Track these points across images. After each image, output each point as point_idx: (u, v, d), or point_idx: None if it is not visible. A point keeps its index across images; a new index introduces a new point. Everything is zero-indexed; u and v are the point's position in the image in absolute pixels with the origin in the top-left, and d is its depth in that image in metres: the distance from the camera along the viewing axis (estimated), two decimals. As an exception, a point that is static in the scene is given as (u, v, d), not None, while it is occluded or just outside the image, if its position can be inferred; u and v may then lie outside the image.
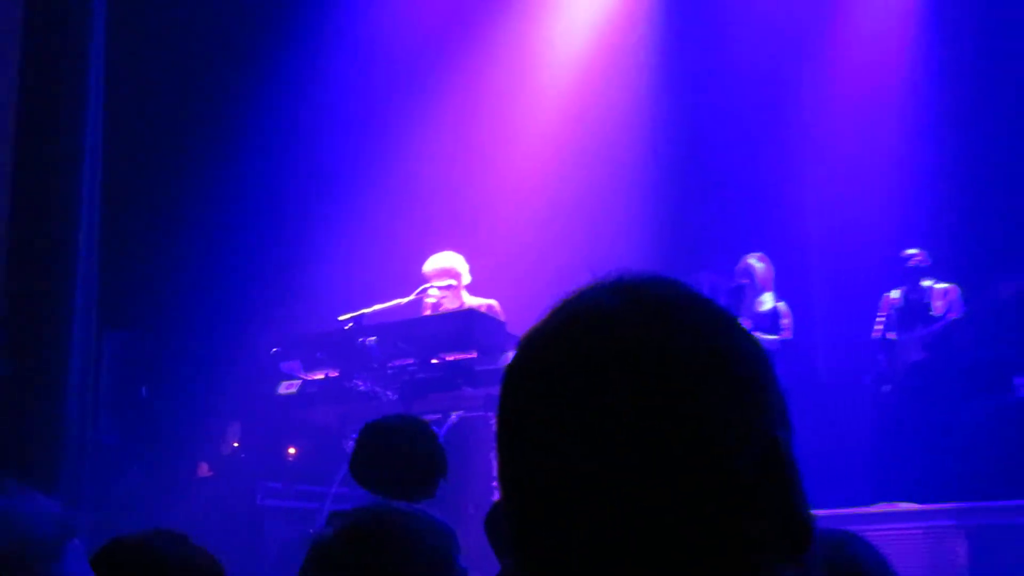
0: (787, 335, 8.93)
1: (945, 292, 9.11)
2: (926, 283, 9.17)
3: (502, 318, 7.51)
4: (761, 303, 8.99)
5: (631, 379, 0.96)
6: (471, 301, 7.64)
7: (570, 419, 0.96)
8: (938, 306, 9.12)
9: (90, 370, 7.26)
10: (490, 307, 7.55)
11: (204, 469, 8.60)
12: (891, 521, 7.43)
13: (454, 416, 7.05)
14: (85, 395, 7.13)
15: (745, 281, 8.96)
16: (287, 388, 7.54)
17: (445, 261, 7.69)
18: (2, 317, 6.91)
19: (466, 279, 7.75)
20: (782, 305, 9.03)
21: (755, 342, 1.05)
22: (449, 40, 9.62)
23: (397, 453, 4.03)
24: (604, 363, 0.97)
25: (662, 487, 0.94)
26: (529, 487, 1.00)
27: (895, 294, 9.29)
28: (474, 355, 7.05)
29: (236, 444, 8.60)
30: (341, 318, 7.45)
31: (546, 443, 0.98)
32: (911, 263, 9.19)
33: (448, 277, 7.61)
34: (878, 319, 9.29)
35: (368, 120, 9.34)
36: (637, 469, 0.94)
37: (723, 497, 0.94)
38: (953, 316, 9.07)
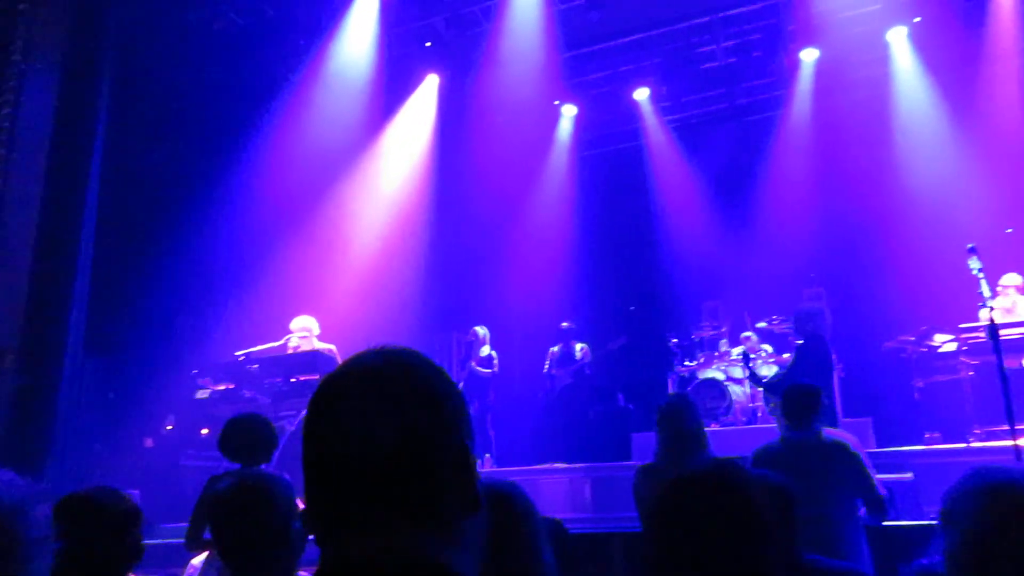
0: (496, 370, 8.95)
1: (582, 348, 9.30)
2: (573, 342, 9.34)
3: (337, 355, 7.25)
4: (483, 351, 8.99)
5: (381, 406, 0.95)
6: (320, 346, 7.36)
7: (342, 425, 0.95)
8: (579, 355, 9.28)
9: (76, 383, 6.89)
10: (330, 350, 7.31)
11: (148, 442, 8.16)
12: (549, 473, 7.65)
13: (303, 413, 6.90)
14: (72, 397, 6.78)
15: (472, 339, 9.02)
16: (202, 394, 7.35)
17: (304, 321, 7.45)
18: (20, 346, 6.48)
19: (317, 332, 7.47)
20: (494, 353, 9.04)
21: (455, 386, 1.03)
22: (316, 188, 9.43)
23: (246, 435, 3.81)
24: (366, 396, 0.96)
25: (395, 473, 0.93)
26: (312, 459, 0.97)
27: (555, 348, 9.43)
28: (316, 377, 6.85)
29: (170, 427, 8.18)
30: (237, 353, 7.27)
31: (325, 438, 0.96)
32: (565, 328, 9.42)
33: (305, 331, 7.38)
34: (547, 361, 9.42)
35: (265, 237, 9.04)
36: (379, 459, 0.93)
37: (434, 481, 0.95)
38: (586, 361, 9.27)
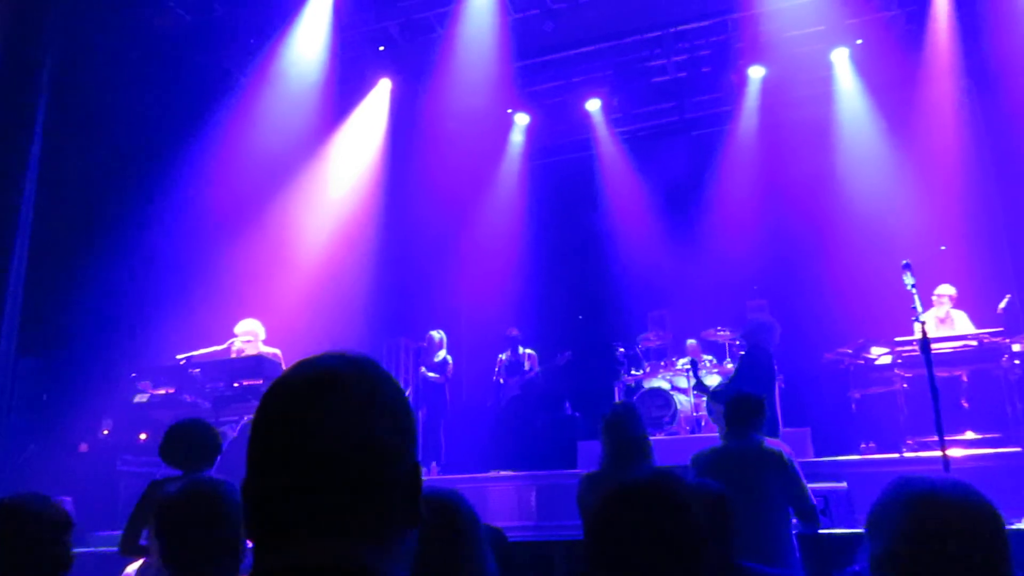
0: (450, 375, 8.96)
1: (530, 356, 9.35)
2: (520, 349, 9.38)
3: (282, 360, 7.14)
4: (437, 356, 8.97)
5: (343, 413, 0.92)
6: (265, 350, 7.25)
7: (300, 428, 0.91)
8: (527, 364, 9.31)
9: (7, 384, 6.69)
10: (275, 354, 7.21)
11: (83, 447, 7.95)
12: (497, 481, 7.59)
13: (245, 419, 6.81)
14: (2, 399, 6.59)
15: (425, 344, 8.98)
16: (140, 398, 7.14)
17: (249, 324, 7.36)
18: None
19: (262, 336, 7.38)
20: (449, 358, 9.03)
21: (405, 399, 1.01)
22: (258, 194, 9.22)
23: (188, 441, 3.67)
24: (328, 400, 0.92)
25: (348, 482, 0.90)
26: (260, 460, 0.94)
27: (504, 355, 9.45)
28: (261, 382, 6.75)
29: (106, 431, 7.94)
30: (178, 356, 7.11)
31: (279, 439, 0.92)
32: (512, 335, 9.45)
33: (250, 335, 7.30)
34: (496, 369, 9.40)
35: (210, 238, 8.77)
36: (334, 466, 0.90)
37: (384, 495, 0.93)
38: (534, 371, 9.30)
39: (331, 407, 0.92)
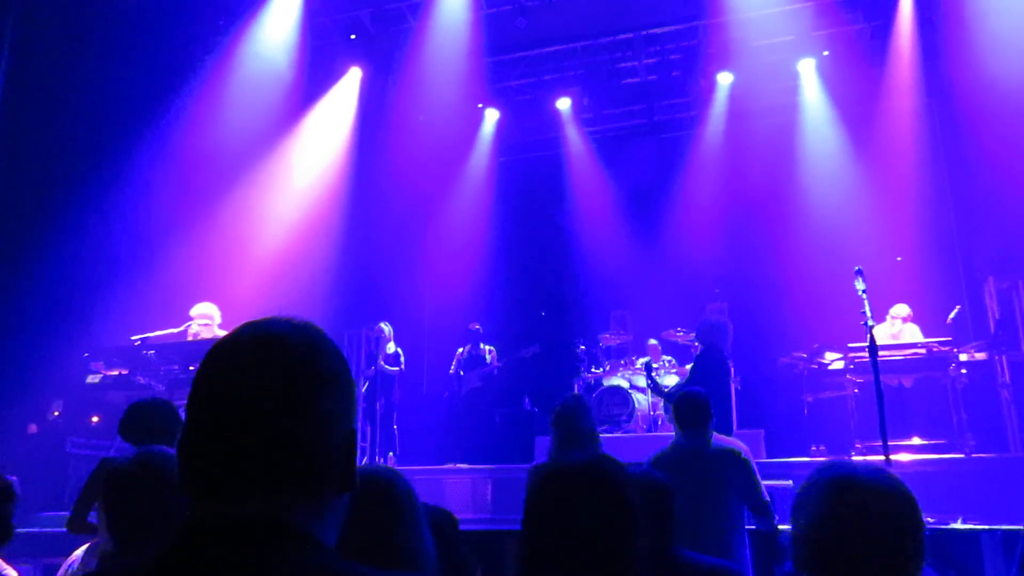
0: (402, 367, 8.93)
1: (490, 350, 9.37)
2: (481, 344, 9.41)
3: None
4: (389, 348, 8.92)
5: (285, 376, 0.93)
6: (221, 334, 7.11)
7: (243, 386, 0.92)
8: (487, 358, 9.35)
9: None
10: None
11: (32, 428, 7.82)
12: (453, 473, 7.62)
13: None
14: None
15: (379, 335, 8.87)
16: (93, 378, 7.04)
17: (205, 308, 7.26)
18: None
19: (218, 320, 7.26)
20: (400, 350, 8.99)
21: (347, 367, 1.01)
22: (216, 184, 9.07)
23: (150, 419, 3.55)
24: (271, 362, 0.93)
25: (285, 443, 0.91)
26: (199, 414, 0.94)
27: (463, 349, 9.48)
28: None
29: (57, 413, 7.84)
30: (133, 337, 7.00)
31: (221, 395, 0.93)
32: (473, 329, 9.47)
33: (206, 318, 7.20)
34: (453, 362, 9.44)
35: (169, 220, 8.66)
36: (273, 427, 0.90)
37: (320, 458, 0.93)
38: (495, 364, 9.34)
39: (269, 367, 0.93)
